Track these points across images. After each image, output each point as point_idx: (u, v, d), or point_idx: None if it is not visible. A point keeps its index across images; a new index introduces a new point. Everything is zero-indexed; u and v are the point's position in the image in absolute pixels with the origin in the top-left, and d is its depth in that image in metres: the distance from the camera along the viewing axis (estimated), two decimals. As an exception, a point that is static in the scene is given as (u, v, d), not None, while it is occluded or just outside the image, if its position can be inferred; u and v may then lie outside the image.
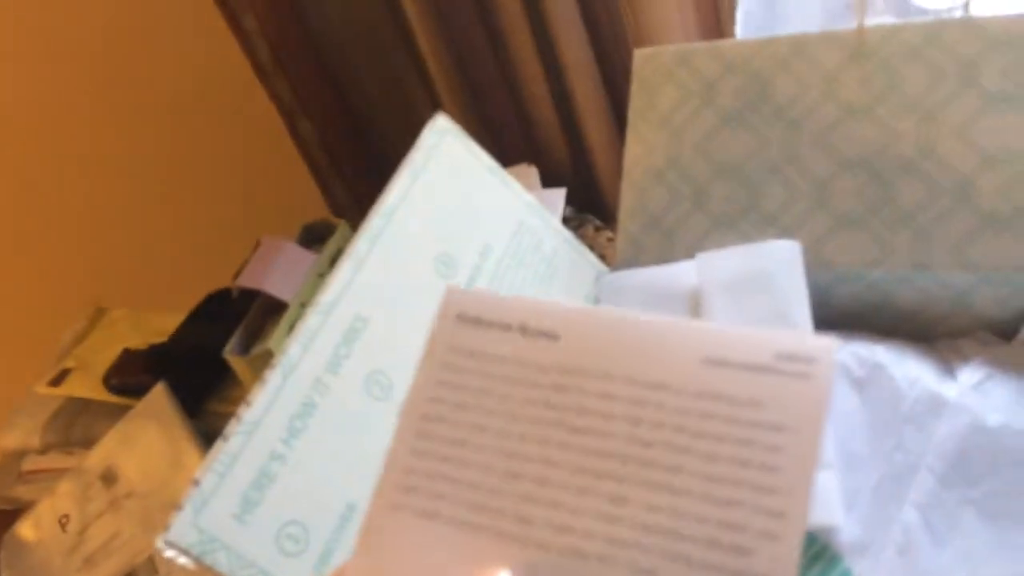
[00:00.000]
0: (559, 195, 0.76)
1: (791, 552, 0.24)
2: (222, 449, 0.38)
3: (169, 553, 0.35)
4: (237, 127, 1.14)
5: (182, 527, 0.36)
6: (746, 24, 0.70)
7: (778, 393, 0.26)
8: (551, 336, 0.29)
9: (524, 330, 0.29)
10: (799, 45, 0.54)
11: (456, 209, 0.51)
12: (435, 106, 1.06)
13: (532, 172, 0.82)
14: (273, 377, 0.41)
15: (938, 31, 0.51)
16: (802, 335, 0.26)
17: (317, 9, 1.02)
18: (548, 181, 0.90)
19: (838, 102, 0.53)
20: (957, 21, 0.50)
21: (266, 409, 0.40)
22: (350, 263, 0.45)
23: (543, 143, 1.06)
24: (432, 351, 0.30)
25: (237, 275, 0.77)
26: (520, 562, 0.26)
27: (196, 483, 0.37)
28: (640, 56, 0.60)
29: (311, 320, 0.43)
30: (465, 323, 0.30)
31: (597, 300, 0.56)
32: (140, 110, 1.13)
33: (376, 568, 0.28)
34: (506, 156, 1.03)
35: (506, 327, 0.29)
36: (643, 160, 0.58)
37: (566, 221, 0.79)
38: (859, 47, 0.52)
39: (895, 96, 0.51)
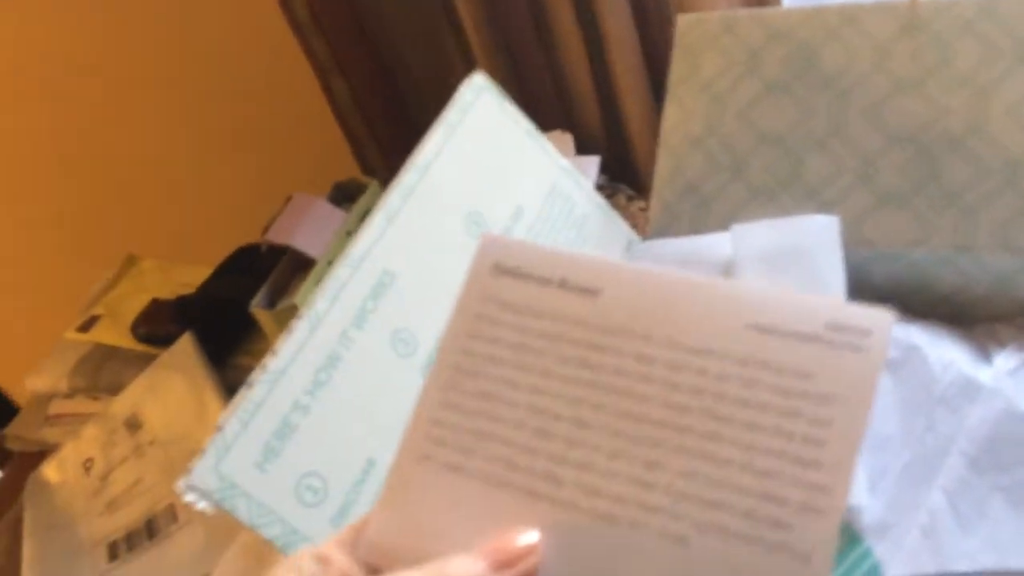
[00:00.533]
0: (593, 162, 0.75)
1: (831, 528, 0.23)
2: (246, 397, 0.38)
3: (190, 497, 0.36)
4: (273, 83, 1.13)
5: (204, 472, 0.36)
6: (794, -7, 0.68)
7: (828, 364, 0.25)
8: (591, 292, 0.28)
9: (564, 284, 0.28)
10: (850, 15, 0.53)
11: (490, 168, 0.50)
12: (471, 70, 1.05)
13: (567, 139, 0.81)
14: (300, 328, 0.41)
15: (993, 5, 0.49)
16: (856, 306, 0.25)
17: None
18: (582, 150, 0.89)
19: (888, 75, 0.51)
20: (1016, -5, 0.49)
21: (291, 359, 0.40)
22: (382, 217, 0.45)
23: (578, 111, 1.04)
24: (466, 301, 0.29)
25: (266, 230, 0.78)
26: (548, 523, 0.26)
27: (219, 429, 0.37)
28: (684, 22, 0.58)
29: (340, 272, 0.43)
30: (501, 273, 0.29)
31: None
32: (176, 65, 1.13)
33: (400, 518, 0.27)
34: (541, 122, 1.02)
35: (545, 280, 0.28)
36: (682, 126, 0.57)
37: (599, 189, 0.78)
38: (911, 19, 0.51)
39: (946, 71, 0.50)
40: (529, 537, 0.25)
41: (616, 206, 0.77)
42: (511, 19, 0.98)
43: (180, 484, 0.36)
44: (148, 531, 0.73)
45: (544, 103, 1.04)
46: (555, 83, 1.03)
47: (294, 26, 1.04)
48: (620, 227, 0.57)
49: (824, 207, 0.52)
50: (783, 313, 0.26)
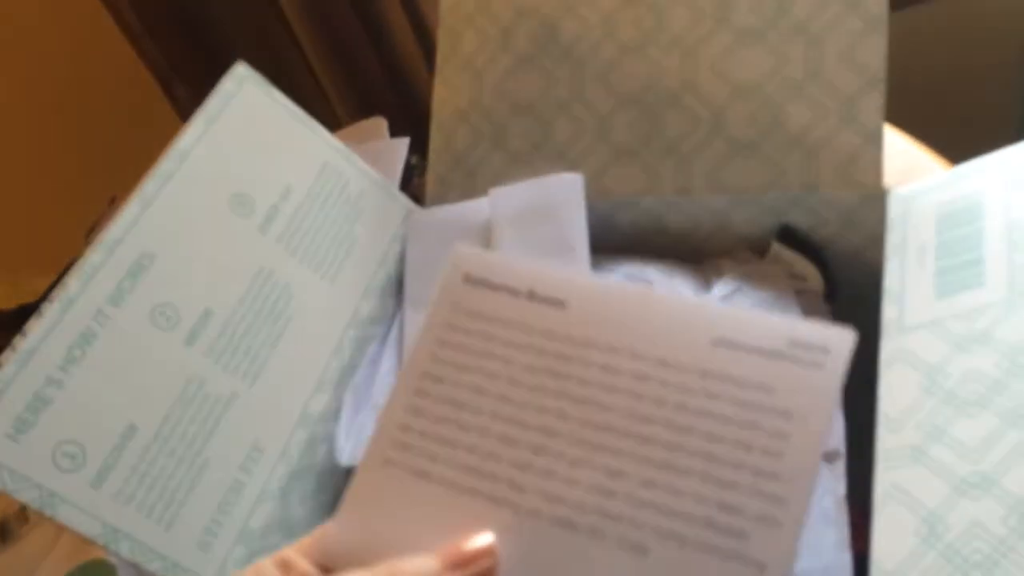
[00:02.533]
0: (403, 143, 0.79)
1: (789, 539, 0.23)
2: (-5, 376, 0.41)
3: (-62, 469, 0.39)
4: (112, 93, 1.14)
5: (-50, 445, 0.39)
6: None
7: (789, 380, 0.25)
8: (558, 304, 0.28)
9: (532, 296, 0.29)
10: (581, -11, 0.58)
11: (254, 152, 0.54)
12: (308, 67, 1.09)
13: (381, 123, 0.85)
14: (51, 310, 0.44)
15: (698, -28, 0.54)
16: (818, 325, 0.26)
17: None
18: (421, 130, 0.93)
19: (615, 42, 0.56)
20: (713, -38, 0.54)
21: (42, 339, 0.43)
22: (137, 203, 0.48)
23: (415, 99, 1.09)
24: (437, 310, 0.29)
25: (90, 231, 0.80)
26: (509, 528, 0.26)
27: (-34, 406, 0.40)
28: (445, 4, 0.63)
29: (93, 256, 0.46)
30: (472, 284, 0.29)
31: (405, 238, 0.60)
32: (12, 71, 1.14)
33: (362, 523, 0.27)
34: (379, 110, 1.06)
35: (514, 291, 0.29)
36: (449, 102, 0.62)
37: (412, 168, 0.82)
38: (631, -11, 0.56)
39: (662, 35, 0.55)
40: (484, 539, 0.26)
41: (426, 182, 0.81)
42: (337, 12, 1.02)
43: (-72, 458, 0.39)
44: (1, 535, 0.74)
45: (380, 93, 1.08)
46: (389, 74, 1.07)
47: (129, 35, 1.05)
48: (398, 200, 0.62)
49: (571, 166, 0.57)
50: (748, 330, 0.26)
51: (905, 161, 0.69)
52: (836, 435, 0.47)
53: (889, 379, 0.38)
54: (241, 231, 0.52)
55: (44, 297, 0.88)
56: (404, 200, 0.62)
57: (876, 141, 0.49)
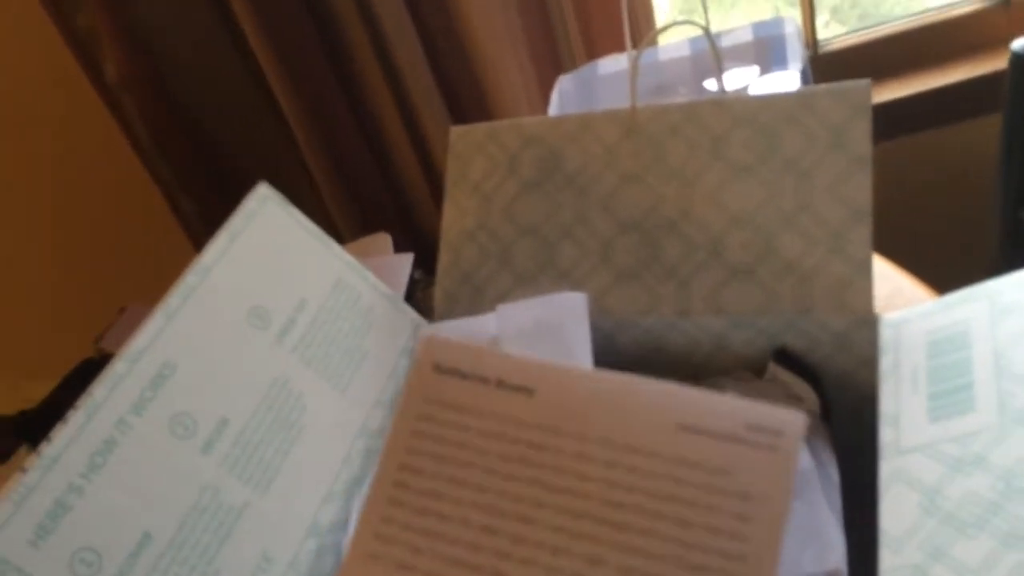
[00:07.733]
0: (407, 259, 0.82)
1: None
2: (20, 481, 0.42)
3: (-42, 575, 0.39)
4: (124, 203, 1.18)
5: (-28, 551, 0.39)
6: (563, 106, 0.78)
7: (748, 463, 0.26)
8: (528, 392, 0.29)
9: (501, 384, 0.29)
10: (585, 122, 0.62)
11: (273, 268, 0.56)
12: (314, 188, 1.13)
13: (386, 239, 0.88)
14: (76, 417, 0.45)
15: (694, 111, 0.59)
16: (772, 408, 0.27)
17: (192, 96, 1.08)
18: (425, 248, 0.97)
19: (615, 171, 0.60)
20: (709, 102, 0.58)
21: (66, 445, 0.44)
22: (161, 314, 0.50)
23: (417, 215, 1.13)
24: (409, 400, 0.30)
25: (99, 339, 0.81)
26: None
27: (-10, 511, 0.41)
28: (455, 132, 0.67)
29: (118, 366, 0.47)
30: (442, 373, 0.30)
31: (414, 352, 0.62)
32: (19, 177, 1.17)
33: None
34: (380, 227, 1.10)
35: (483, 380, 0.30)
36: (457, 223, 0.65)
37: (416, 283, 0.85)
38: (632, 124, 0.60)
39: (660, 166, 0.59)
40: None
41: (430, 297, 0.84)
42: (339, 128, 1.06)
43: (-51, 563, 0.39)
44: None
45: (381, 210, 1.12)
46: (392, 193, 1.12)
47: (138, 149, 1.09)
48: (408, 314, 0.64)
49: (575, 286, 0.60)
50: (707, 414, 0.27)
51: (888, 286, 0.73)
52: (837, 554, 0.48)
53: (889, 499, 0.40)
54: (258, 342, 0.54)
55: (44, 403, 0.89)
56: (412, 314, 0.64)
57: (865, 270, 0.52)
